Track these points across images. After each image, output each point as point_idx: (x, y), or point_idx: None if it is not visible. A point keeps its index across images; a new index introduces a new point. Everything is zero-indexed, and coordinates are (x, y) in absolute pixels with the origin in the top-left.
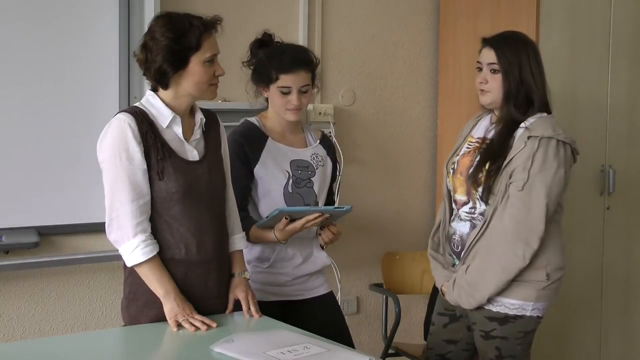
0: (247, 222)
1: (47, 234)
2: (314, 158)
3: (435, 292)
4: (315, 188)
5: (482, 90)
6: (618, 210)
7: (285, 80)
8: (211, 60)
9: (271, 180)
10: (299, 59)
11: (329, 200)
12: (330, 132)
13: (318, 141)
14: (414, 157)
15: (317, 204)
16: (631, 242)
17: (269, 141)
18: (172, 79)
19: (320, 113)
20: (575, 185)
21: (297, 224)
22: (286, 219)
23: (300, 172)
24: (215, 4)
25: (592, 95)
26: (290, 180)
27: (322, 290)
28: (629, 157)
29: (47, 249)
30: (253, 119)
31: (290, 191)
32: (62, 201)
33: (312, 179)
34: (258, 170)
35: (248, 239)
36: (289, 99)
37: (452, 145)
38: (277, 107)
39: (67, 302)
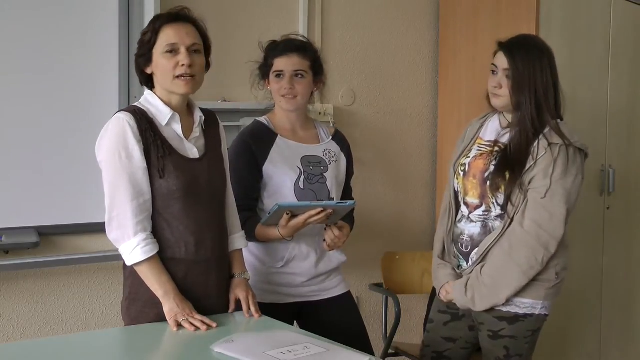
0: (253, 222)
1: (47, 234)
2: (326, 154)
3: (435, 291)
4: (329, 184)
5: (495, 95)
6: (618, 210)
7: (278, 64)
8: (171, 51)
9: (281, 177)
10: (292, 43)
11: (347, 197)
12: None
13: (330, 137)
14: (414, 157)
15: (331, 200)
16: (631, 242)
17: (278, 138)
18: (153, 76)
19: (320, 113)
20: None
21: (300, 219)
22: (287, 214)
23: (312, 168)
24: (215, 4)
25: (592, 95)
26: (302, 177)
27: (338, 291)
28: (629, 157)
29: (47, 249)
30: (262, 119)
31: (302, 187)
32: (62, 201)
33: (324, 174)
34: (267, 168)
35: (254, 239)
36: (282, 84)
37: (452, 145)
38: (274, 96)
39: (67, 302)
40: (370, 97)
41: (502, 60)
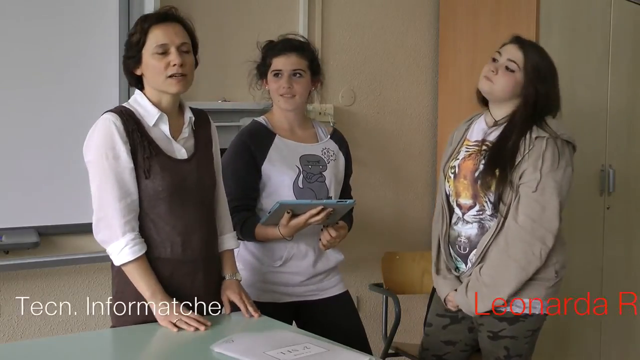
0: (252, 222)
1: (47, 234)
2: (324, 152)
3: (434, 291)
4: (328, 182)
5: (487, 78)
6: (618, 210)
7: (276, 63)
8: (161, 52)
9: (280, 176)
10: (290, 42)
11: (346, 196)
12: None
13: (329, 136)
14: (414, 157)
15: (330, 199)
16: (631, 242)
17: (277, 138)
18: (143, 77)
19: (320, 113)
20: (575, 185)
21: (301, 218)
22: (288, 213)
23: (311, 167)
24: (215, 5)
25: (592, 95)
26: (301, 176)
27: (336, 290)
28: (629, 157)
29: (47, 249)
30: (260, 119)
31: (301, 186)
32: (62, 201)
33: (323, 173)
34: (266, 167)
35: (253, 239)
36: (280, 83)
37: None
38: (273, 96)
39: (67, 302)
40: (370, 97)
41: (511, 51)
